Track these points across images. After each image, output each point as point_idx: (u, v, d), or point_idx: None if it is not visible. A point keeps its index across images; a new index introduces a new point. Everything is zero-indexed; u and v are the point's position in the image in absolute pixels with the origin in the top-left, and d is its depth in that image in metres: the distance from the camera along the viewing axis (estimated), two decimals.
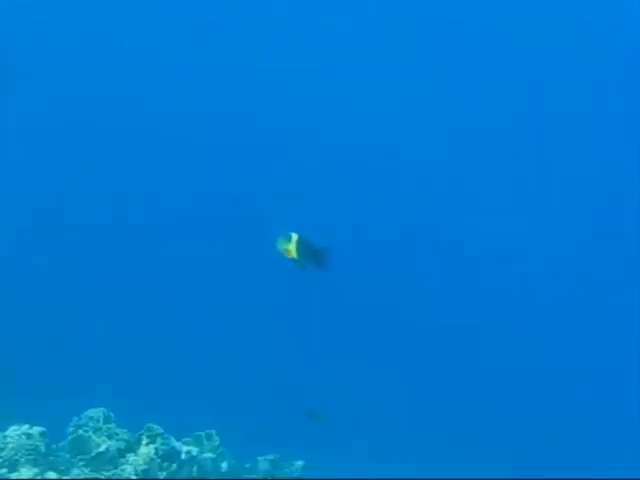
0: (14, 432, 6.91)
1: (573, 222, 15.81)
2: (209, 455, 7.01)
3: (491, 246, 15.10)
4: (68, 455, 6.76)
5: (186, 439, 7.17)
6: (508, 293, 14.82)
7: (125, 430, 6.92)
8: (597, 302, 15.40)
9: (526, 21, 16.32)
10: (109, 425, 6.94)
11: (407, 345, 13.40)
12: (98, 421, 7.37)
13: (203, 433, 7.25)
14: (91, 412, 7.53)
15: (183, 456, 6.83)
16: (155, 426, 6.99)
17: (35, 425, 7.05)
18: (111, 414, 7.49)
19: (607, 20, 16.36)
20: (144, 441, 6.53)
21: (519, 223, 15.66)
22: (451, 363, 13.43)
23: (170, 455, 6.79)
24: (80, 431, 6.85)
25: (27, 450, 6.43)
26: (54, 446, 7.19)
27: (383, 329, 13.30)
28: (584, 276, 15.61)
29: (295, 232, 5.66)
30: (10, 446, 6.44)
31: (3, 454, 6.40)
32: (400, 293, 13.90)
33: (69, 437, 6.86)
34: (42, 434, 6.92)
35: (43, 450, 6.60)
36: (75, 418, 7.59)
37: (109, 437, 6.82)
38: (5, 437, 6.71)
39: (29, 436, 6.63)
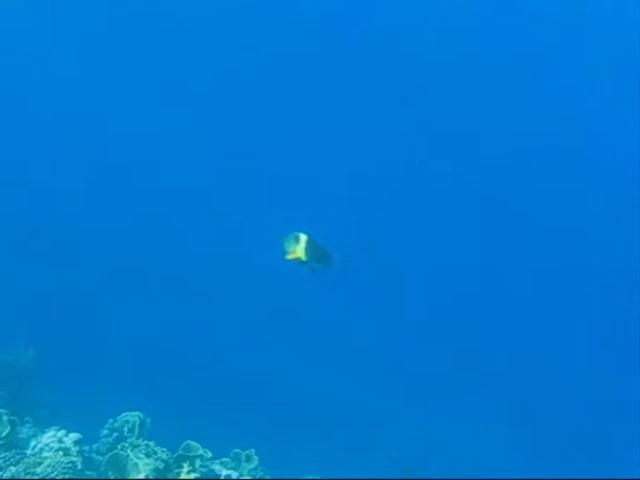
0: (50, 440, 6.73)
1: None
2: (247, 478, 6.78)
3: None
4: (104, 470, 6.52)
5: (225, 459, 6.94)
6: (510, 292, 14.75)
7: (164, 449, 6.66)
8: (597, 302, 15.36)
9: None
10: (148, 442, 6.69)
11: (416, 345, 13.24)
12: (133, 428, 7.19)
13: (243, 453, 7.01)
14: (127, 416, 7.35)
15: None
16: (193, 444, 6.75)
17: (70, 431, 6.91)
18: (147, 419, 7.32)
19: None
20: (185, 468, 6.25)
21: None
22: (459, 362, 13.28)
23: (208, 477, 6.58)
24: (118, 447, 6.61)
25: (64, 468, 6.20)
26: (87, 448, 7.05)
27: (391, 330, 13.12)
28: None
29: (303, 232, 5.28)
30: (47, 462, 6.22)
31: (39, 470, 6.17)
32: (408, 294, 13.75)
33: (107, 454, 6.62)
34: (77, 442, 6.74)
35: (79, 467, 6.36)
36: (110, 420, 7.42)
37: (147, 455, 6.58)
38: (42, 450, 6.52)
39: (66, 451, 6.41)
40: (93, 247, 12.01)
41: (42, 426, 7.41)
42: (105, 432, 7.27)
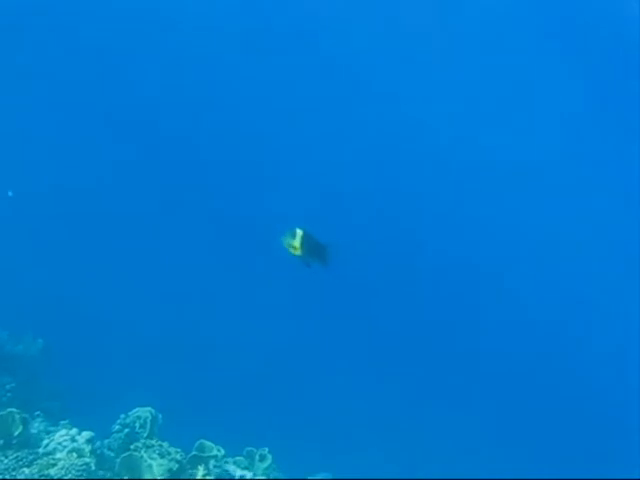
0: (63, 439, 6.69)
1: None
2: (261, 478, 6.75)
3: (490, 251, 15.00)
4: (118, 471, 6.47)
5: (238, 458, 6.91)
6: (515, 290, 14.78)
7: (178, 449, 6.61)
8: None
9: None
10: (162, 442, 6.64)
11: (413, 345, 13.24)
12: (145, 423, 7.14)
13: (257, 453, 6.98)
14: (138, 411, 7.30)
15: None
16: (207, 444, 6.70)
17: (81, 428, 6.87)
18: (159, 415, 7.26)
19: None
20: (200, 471, 6.22)
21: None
22: (453, 360, 13.28)
23: (222, 478, 6.55)
24: (131, 447, 6.55)
25: (78, 471, 6.14)
26: (98, 443, 6.99)
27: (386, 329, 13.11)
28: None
29: (299, 228, 5.46)
30: (61, 464, 6.15)
31: (52, 472, 6.11)
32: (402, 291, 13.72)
33: (120, 454, 6.57)
34: (90, 441, 6.70)
35: (93, 468, 6.31)
36: (122, 416, 7.35)
37: (161, 456, 6.54)
38: (55, 449, 6.47)
39: (79, 452, 6.35)
40: (105, 238, 11.87)
41: (53, 420, 7.38)
42: (117, 427, 7.20)
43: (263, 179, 13.82)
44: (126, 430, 7.18)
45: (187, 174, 13.24)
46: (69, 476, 6.12)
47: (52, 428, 7.16)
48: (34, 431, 6.94)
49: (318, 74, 14.97)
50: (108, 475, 6.41)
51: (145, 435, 7.02)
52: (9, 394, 7.67)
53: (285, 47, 14.71)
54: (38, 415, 7.24)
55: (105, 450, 7.07)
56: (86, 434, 6.74)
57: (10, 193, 8.92)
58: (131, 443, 6.96)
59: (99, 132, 12.99)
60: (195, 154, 13.61)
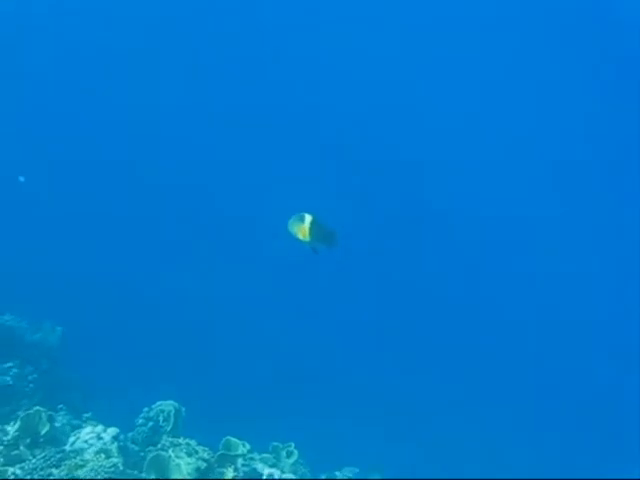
0: (89, 437, 6.64)
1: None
2: (289, 476, 6.73)
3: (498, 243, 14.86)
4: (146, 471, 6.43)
5: (265, 455, 6.88)
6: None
7: (206, 448, 6.56)
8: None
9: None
10: (189, 441, 6.60)
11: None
12: (169, 417, 7.12)
13: (283, 449, 6.95)
14: (162, 405, 7.26)
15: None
16: (233, 441, 6.66)
17: (105, 423, 6.83)
18: (182, 408, 7.23)
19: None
20: (229, 473, 6.18)
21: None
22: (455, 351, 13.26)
23: (251, 476, 6.52)
24: (158, 446, 6.54)
25: (106, 473, 6.10)
26: (122, 437, 6.95)
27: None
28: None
29: (308, 213, 5.25)
30: (90, 466, 6.11)
31: (81, 474, 6.06)
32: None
33: (145, 449, 6.57)
34: (116, 438, 6.66)
35: (121, 467, 6.27)
36: (145, 409, 7.32)
37: (188, 454, 6.50)
38: (82, 449, 6.42)
39: (107, 453, 6.30)
40: (122, 228, 11.73)
41: (75, 413, 7.34)
42: (140, 421, 7.18)
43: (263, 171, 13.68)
44: (150, 424, 7.16)
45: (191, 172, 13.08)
46: (98, 477, 6.08)
47: (76, 422, 7.12)
48: (58, 424, 6.89)
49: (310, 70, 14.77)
50: (136, 472, 6.38)
51: (169, 429, 7.00)
52: (31, 385, 7.60)
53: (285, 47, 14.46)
54: (61, 409, 7.21)
55: (129, 444, 7.05)
56: (111, 431, 6.69)
57: (22, 178, 8.68)
58: (155, 437, 6.96)
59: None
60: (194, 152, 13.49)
